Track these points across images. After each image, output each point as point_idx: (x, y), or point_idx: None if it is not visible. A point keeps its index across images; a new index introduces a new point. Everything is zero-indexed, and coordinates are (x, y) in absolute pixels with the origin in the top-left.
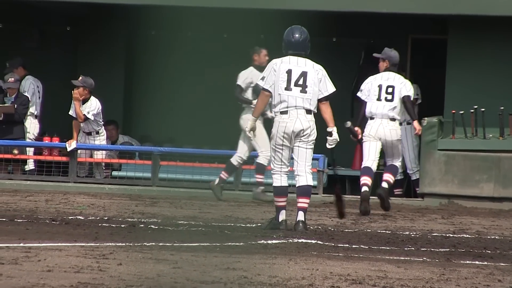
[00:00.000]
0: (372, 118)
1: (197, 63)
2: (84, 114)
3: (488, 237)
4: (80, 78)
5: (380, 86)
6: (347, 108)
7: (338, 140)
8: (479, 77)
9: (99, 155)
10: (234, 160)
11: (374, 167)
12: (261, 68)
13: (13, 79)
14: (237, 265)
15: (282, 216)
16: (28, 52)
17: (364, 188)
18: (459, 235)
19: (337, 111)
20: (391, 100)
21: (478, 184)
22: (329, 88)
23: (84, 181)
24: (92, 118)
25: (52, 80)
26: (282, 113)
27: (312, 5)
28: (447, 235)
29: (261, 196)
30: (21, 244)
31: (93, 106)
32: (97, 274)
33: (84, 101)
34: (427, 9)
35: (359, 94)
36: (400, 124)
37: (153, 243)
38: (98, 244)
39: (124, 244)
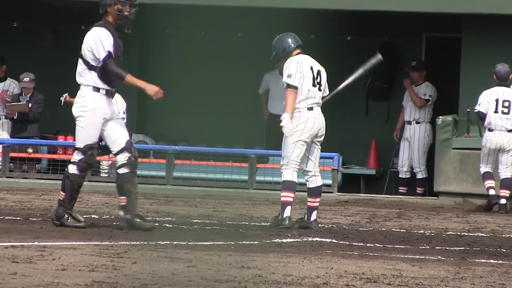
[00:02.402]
0: (491, 130)
1: (211, 61)
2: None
3: (503, 235)
4: None
5: (497, 100)
6: (362, 106)
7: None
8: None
9: None
10: None
11: (492, 171)
12: None
13: (28, 78)
14: (251, 264)
15: (287, 212)
16: (42, 50)
17: (491, 191)
18: (474, 234)
19: (352, 109)
20: (507, 113)
21: None
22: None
23: (99, 179)
24: (124, 116)
25: (66, 78)
26: (309, 109)
27: (327, 4)
28: (462, 233)
29: None
30: (36, 243)
31: (119, 104)
32: (111, 273)
33: None
34: (442, 8)
35: (477, 107)
36: (409, 123)
37: (168, 242)
38: (112, 243)
39: (138, 242)
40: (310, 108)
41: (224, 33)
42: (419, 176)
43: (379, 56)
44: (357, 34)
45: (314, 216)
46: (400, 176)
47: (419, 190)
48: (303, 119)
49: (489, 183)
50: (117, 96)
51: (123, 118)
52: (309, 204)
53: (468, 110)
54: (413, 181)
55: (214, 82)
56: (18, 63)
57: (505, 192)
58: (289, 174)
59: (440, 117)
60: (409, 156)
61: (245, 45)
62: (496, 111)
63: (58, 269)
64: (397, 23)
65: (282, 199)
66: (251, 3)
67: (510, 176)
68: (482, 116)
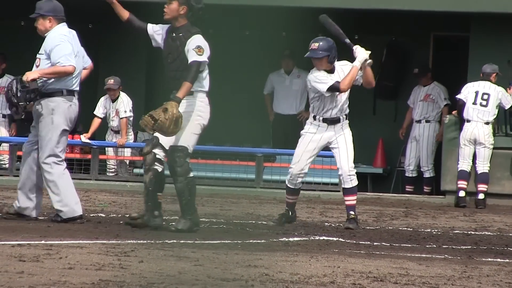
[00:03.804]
0: (468, 121)
1: (218, 60)
2: (126, 117)
3: (510, 234)
4: (112, 81)
5: (476, 92)
6: (369, 105)
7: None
8: (501, 75)
9: (123, 153)
10: None
11: (469, 169)
12: None
13: None
14: (258, 263)
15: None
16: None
17: (461, 193)
18: (480, 233)
19: (359, 108)
20: (486, 106)
21: (499, 182)
22: None
23: (106, 178)
24: (131, 114)
25: None
26: None
27: (334, 2)
28: (469, 232)
29: None
30: (43, 242)
31: (125, 103)
32: (118, 271)
33: (114, 99)
34: (450, 7)
35: (458, 96)
36: (419, 122)
37: (175, 241)
38: (119, 242)
39: (145, 241)
40: None
41: (231, 32)
42: (427, 175)
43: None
44: (365, 33)
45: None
46: (406, 175)
47: (426, 189)
48: None
49: (462, 183)
50: (123, 94)
51: (129, 117)
52: (293, 201)
53: (454, 112)
54: (420, 180)
55: (222, 81)
56: (26, 62)
57: (482, 187)
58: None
59: (447, 116)
60: (416, 155)
61: (253, 44)
62: (474, 103)
63: (65, 267)
64: (405, 22)
65: (353, 202)
66: (259, 2)
67: (487, 171)
68: (461, 104)
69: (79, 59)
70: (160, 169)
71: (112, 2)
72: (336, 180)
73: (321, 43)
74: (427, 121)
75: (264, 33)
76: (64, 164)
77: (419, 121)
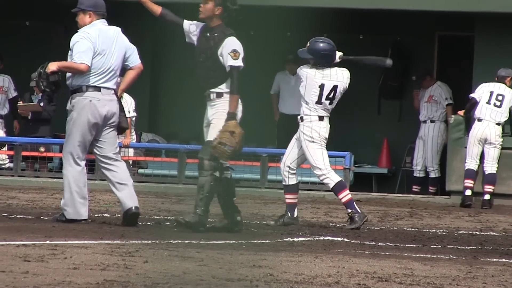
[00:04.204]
0: (479, 120)
1: None
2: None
3: None
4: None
5: (491, 92)
6: (374, 105)
7: None
8: None
9: (127, 154)
10: None
11: (476, 168)
12: None
13: None
14: (263, 263)
15: (357, 207)
16: (55, 48)
17: (468, 192)
18: (486, 233)
19: (364, 108)
20: (500, 106)
21: (505, 182)
22: None
23: None
24: (135, 114)
25: None
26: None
27: (339, 2)
28: (474, 232)
29: None
30: (47, 242)
31: (129, 103)
32: (123, 271)
33: None
34: (454, 6)
35: (472, 94)
36: (425, 122)
37: (179, 241)
38: (124, 242)
39: (150, 241)
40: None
41: (236, 31)
42: (432, 175)
43: (388, 61)
44: (370, 33)
45: (297, 212)
46: (414, 175)
47: (431, 189)
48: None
49: (468, 182)
50: (125, 94)
51: (132, 117)
52: (291, 201)
53: (460, 112)
54: (427, 180)
55: None
56: (30, 62)
57: (489, 188)
58: (336, 176)
59: (453, 116)
60: (424, 155)
61: (257, 44)
62: (488, 102)
63: (70, 268)
64: (410, 21)
65: (345, 199)
66: (264, 2)
67: (495, 171)
68: (473, 102)
69: (104, 57)
70: (228, 176)
71: (143, 2)
72: None
73: (311, 45)
74: (432, 121)
75: (269, 33)
76: (82, 164)
77: (424, 122)
